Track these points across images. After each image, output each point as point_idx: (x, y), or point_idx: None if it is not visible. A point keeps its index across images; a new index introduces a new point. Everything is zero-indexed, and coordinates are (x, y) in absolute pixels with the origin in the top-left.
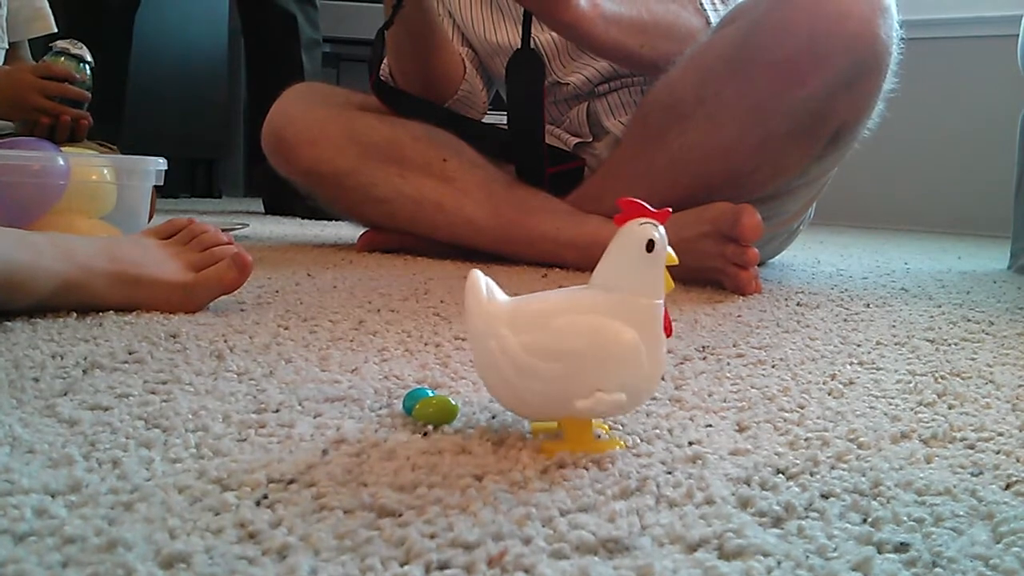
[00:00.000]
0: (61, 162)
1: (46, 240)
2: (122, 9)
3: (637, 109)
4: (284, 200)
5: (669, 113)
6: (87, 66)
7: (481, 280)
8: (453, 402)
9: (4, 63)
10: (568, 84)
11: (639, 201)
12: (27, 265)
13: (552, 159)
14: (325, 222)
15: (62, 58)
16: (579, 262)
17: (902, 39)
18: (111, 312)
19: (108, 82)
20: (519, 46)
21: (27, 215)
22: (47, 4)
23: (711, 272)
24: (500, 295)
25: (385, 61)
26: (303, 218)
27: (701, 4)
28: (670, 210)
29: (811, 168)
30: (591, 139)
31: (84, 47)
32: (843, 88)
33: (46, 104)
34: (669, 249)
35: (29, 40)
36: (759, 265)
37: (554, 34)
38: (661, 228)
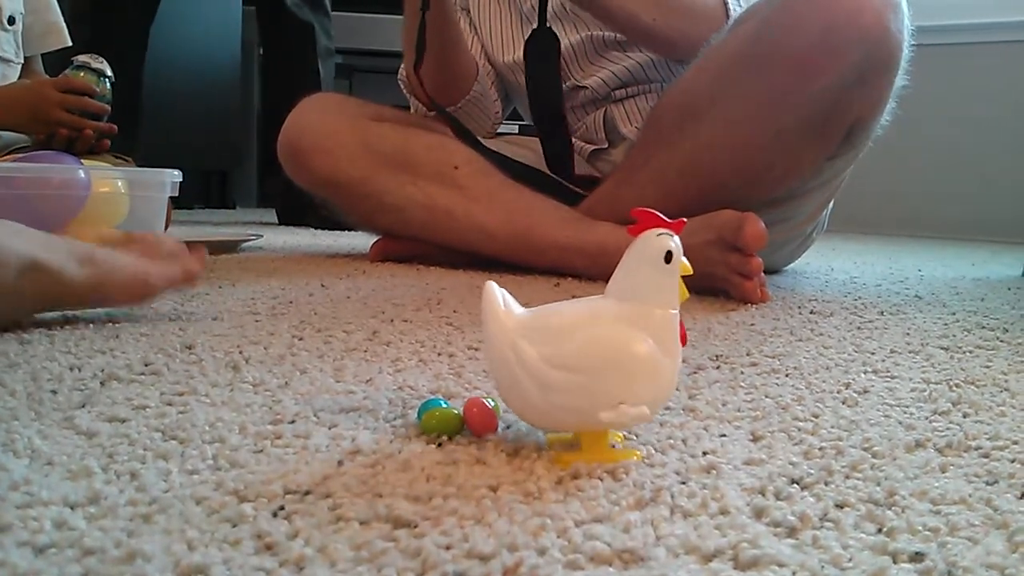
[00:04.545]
0: (82, 174)
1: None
2: (137, 21)
3: (651, 112)
4: (297, 210)
5: (683, 113)
6: (107, 80)
7: (497, 292)
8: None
9: (19, 78)
10: (586, 87)
11: (654, 211)
12: None
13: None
14: (338, 232)
15: (82, 72)
16: (589, 269)
17: (915, 44)
18: (126, 323)
19: (122, 93)
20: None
21: (48, 226)
22: (61, 18)
23: (716, 280)
24: (516, 307)
25: (402, 67)
26: (316, 228)
27: None
28: (685, 220)
29: (825, 167)
30: (607, 145)
31: (104, 61)
32: (856, 82)
33: (66, 118)
34: (684, 259)
35: (44, 54)
36: (773, 273)
37: (572, 38)
38: (677, 239)
